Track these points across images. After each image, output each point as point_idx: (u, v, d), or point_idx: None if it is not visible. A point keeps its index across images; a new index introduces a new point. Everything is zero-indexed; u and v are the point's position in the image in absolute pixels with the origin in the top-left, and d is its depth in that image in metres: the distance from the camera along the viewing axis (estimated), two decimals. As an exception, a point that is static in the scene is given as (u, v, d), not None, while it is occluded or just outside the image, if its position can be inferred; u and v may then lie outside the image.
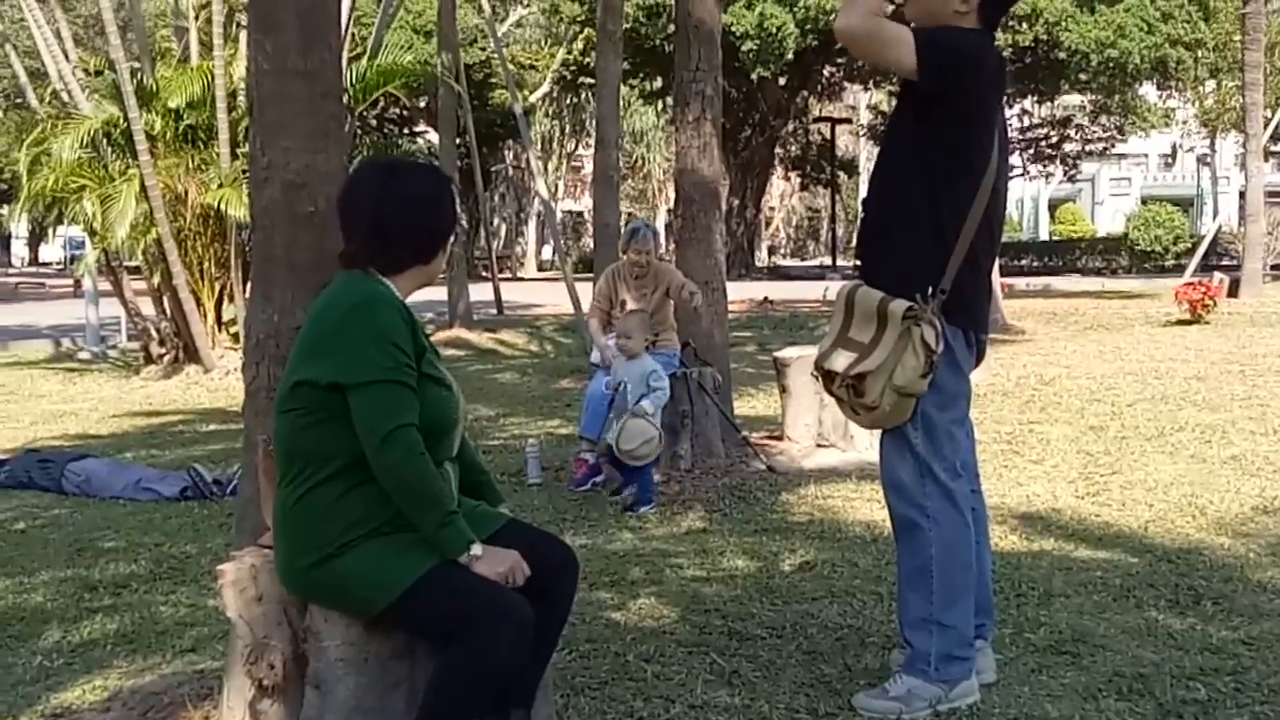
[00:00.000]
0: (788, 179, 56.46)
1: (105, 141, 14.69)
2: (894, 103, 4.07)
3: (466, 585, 2.91)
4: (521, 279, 47.16)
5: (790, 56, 32.89)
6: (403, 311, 3.00)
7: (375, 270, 3.07)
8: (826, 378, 3.80)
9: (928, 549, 3.71)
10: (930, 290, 3.60)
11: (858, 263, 3.89)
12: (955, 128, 3.61)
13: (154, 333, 15.07)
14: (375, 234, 3.05)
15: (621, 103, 16.92)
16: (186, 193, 14.19)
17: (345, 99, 14.63)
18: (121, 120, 14.02)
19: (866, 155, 55.77)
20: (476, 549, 2.94)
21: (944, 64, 3.52)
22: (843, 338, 3.76)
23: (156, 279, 14.99)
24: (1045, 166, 43.37)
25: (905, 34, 3.54)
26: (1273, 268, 27.66)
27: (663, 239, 7.82)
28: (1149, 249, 39.94)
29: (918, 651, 3.71)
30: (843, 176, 51.10)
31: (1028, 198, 65.42)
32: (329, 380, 2.91)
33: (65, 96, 15.22)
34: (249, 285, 4.01)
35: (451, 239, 3.22)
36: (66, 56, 15.28)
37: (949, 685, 3.68)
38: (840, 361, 3.71)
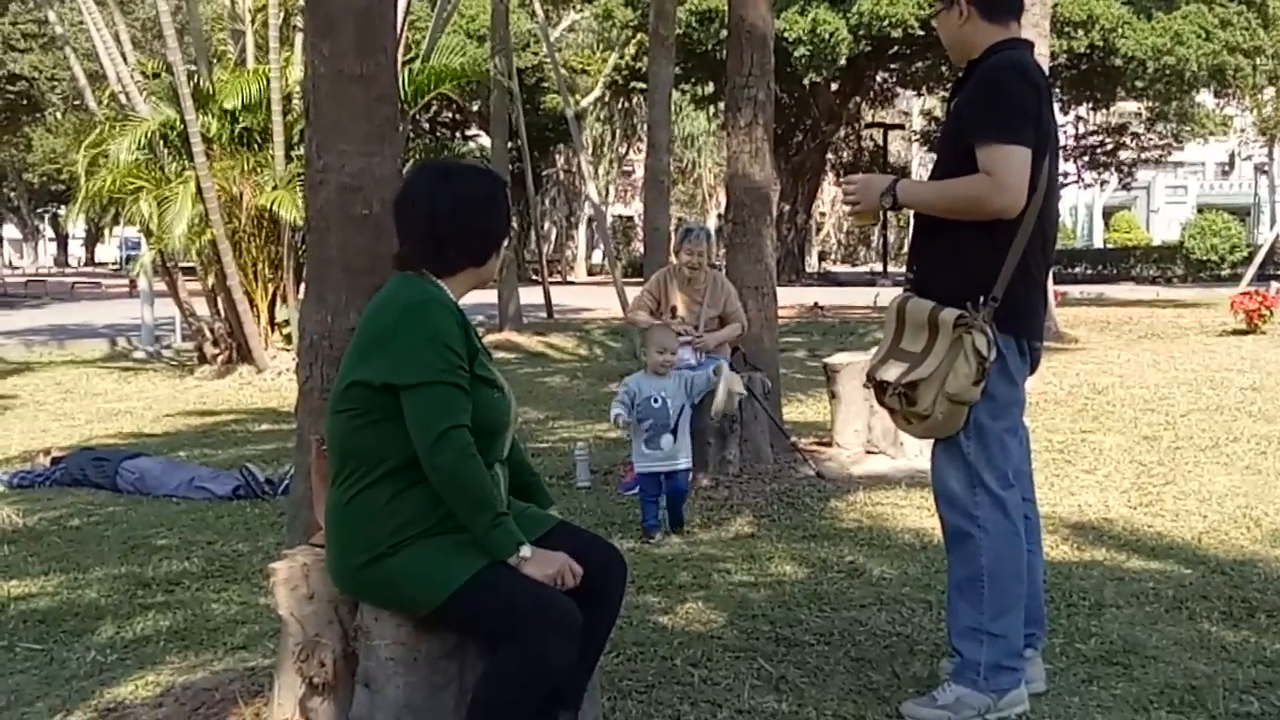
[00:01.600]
0: (839, 184, 56.30)
1: (162, 143, 14.88)
2: (947, 110, 4.06)
3: (516, 587, 2.92)
4: (572, 283, 47.28)
5: (843, 62, 32.77)
6: (456, 313, 3.02)
7: (429, 272, 3.09)
8: (879, 389, 3.79)
9: (979, 558, 3.68)
10: (982, 299, 3.58)
11: (910, 272, 3.88)
12: None
13: (208, 333, 15.23)
14: (429, 236, 3.08)
15: (673, 107, 16.93)
16: (241, 195, 14.35)
17: (399, 102, 14.78)
18: (178, 122, 14.19)
19: (919, 161, 55.56)
20: (526, 550, 2.95)
21: (1030, 138, 3.56)
22: (895, 349, 3.75)
23: (211, 280, 15.18)
24: (1100, 174, 43.04)
25: (1012, 168, 3.54)
26: (1331, 277, 27.23)
27: (714, 245, 7.81)
28: (1205, 258, 39.50)
29: (967, 660, 3.69)
30: (889, 177, 50.87)
31: (1082, 205, 64.87)
32: (383, 381, 2.93)
33: (123, 99, 15.41)
34: (303, 286, 4.05)
35: (505, 242, 3.24)
36: (125, 59, 15.48)
37: (998, 695, 3.66)
38: (892, 372, 3.69)
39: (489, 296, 20.85)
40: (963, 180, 3.61)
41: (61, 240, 79.32)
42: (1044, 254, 3.78)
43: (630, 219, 62.25)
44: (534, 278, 30.17)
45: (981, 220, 3.59)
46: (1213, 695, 3.83)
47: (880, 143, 48.03)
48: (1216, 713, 3.70)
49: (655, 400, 6.29)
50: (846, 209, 3.98)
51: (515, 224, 25.32)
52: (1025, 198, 3.55)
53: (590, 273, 56.61)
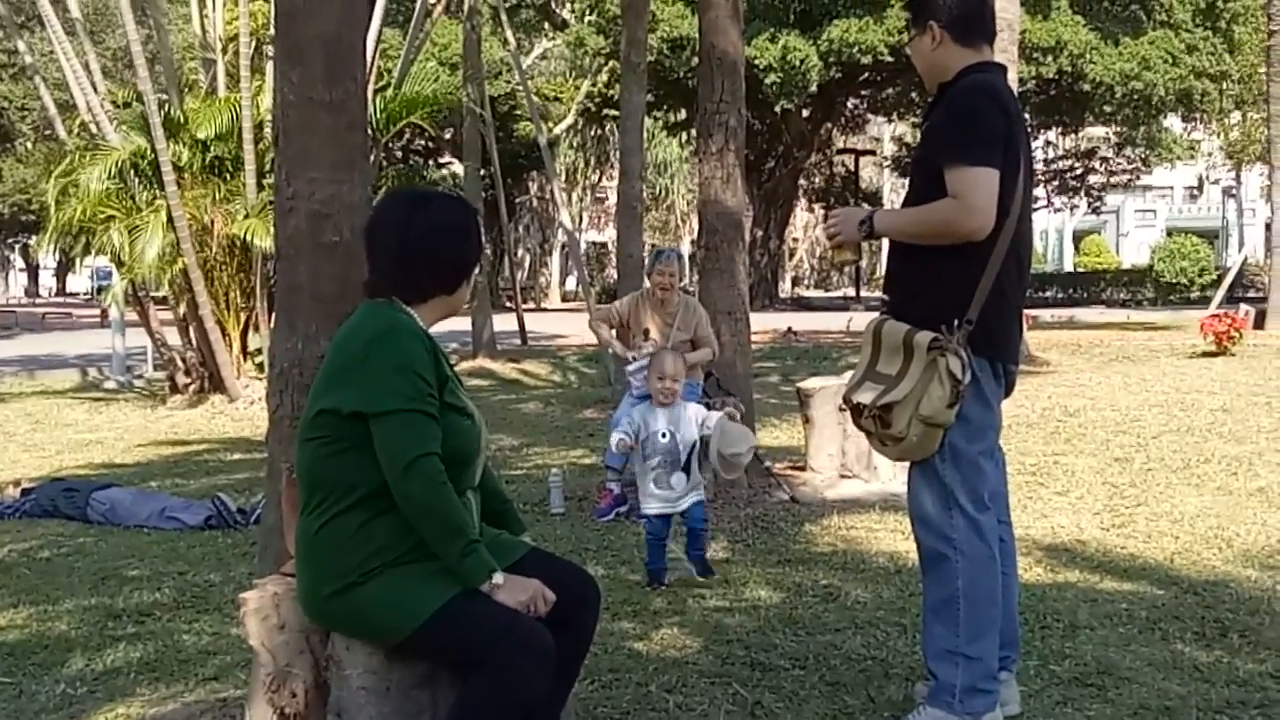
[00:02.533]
0: (811, 210, 56.46)
1: (133, 172, 14.83)
2: (918, 135, 4.09)
3: (488, 615, 2.90)
4: (545, 309, 47.27)
5: (814, 89, 32.97)
6: (425, 341, 3.02)
7: (399, 299, 3.09)
8: (855, 411, 3.81)
9: (954, 581, 3.69)
10: (956, 322, 3.60)
11: (885, 296, 3.90)
12: None
13: (180, 362, 15.14)
14: (399, 263, 3.07)
15: (645, 134, 16.98)
16: (213, 223, 14.31)
17: (370, 130, 14.78)
18: (149, 151, 14.15)
19: (890, 187, 55.86)
20: (498, 578, 2.94)
21: (999, 160, 3.59)
22: (871, 371, 3.77)
23: (182, 309, 15.11)
24: (1070, 198, 43.38)
25: (981, 190, 3.57)
26: (1299, 299, 27.44)
27: (687, 267, 7.85)
28: (1174, 281, 39.79)
29: (942, 683, 3.69)
30: (866, 208, 51.10)
31: (1052, 229, 65.32)
32: (351, 409, 2.92)
33: (94, 128, 15.36)
34: (273, 314, 4.04)
35: (476, 269, 3.23)
36: (95, 88, 15.43)
37: (973, 717, 3.65)
38: (867, 395, 3.71)
39: (463, 323, 20.82)
40: (933, 205, 3.63)
41: (32, 270, 78.89)
42: (1019, 277, 3.80)
43: (604, 245, 62.33)
44: (508, 304, 30.15)
45: (955, 244, 3.60)
46: (1186, 715, 3.84)
47: (852, 168, 48.28)
48: (1190, 733, 3.71)
49: (663, 435, 5.72)
50: (828, 244, 3.96)
51: (489, 251, 25.37)
52: (994, 219, 3.57)
53: (564, 299, 56.62)
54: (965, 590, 3.68)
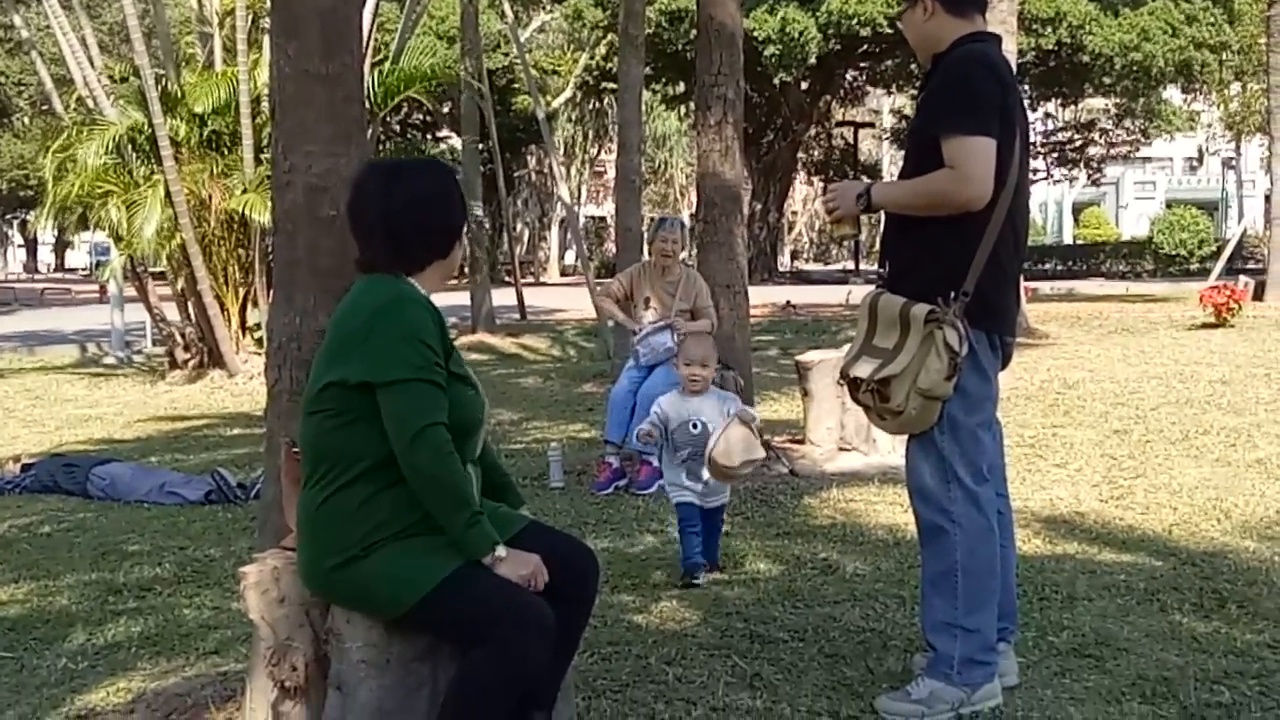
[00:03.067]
0: (810, 183, 56.36)
1: (130, 147, 14.79)
2: (912, 105, 4.08)
3: (489, 588, 2.91)
4: (544, 284, 47.25)
5: (812, 61, 32.86)
6: (430, 310, 3.01)
7: (398, 271, 3.08)
8: (852, 385, 3.80)
9: (952, 553, 3.70)
10: (952, 294, 3.59)
11: (882, 269, 3.89)
12: None
13: (179, 338, 15.15)
14: (390, 237, 3.06)
15: (644, 107, 16.91)
16: (211, 198, 14.28)
17: (368, 104, 14.73)
18: (146, 126, 14.11)
19: (890, 159, 55.72)
20: (501, 551, 2.94)
21: (995, 129, 3.58)
22: (867, 345, 3.76)
23: (181, 284, 15.10)
24: (1069, 170, 43.28)
25: (977, 159, 3.56)
26: (1298, 271, 27.42)
27: (689, 235, 7.86)
28: (1173, 253, 39.72)
29: (941, 655, 3.70)
30: (865, 180, 51.05)
31: (1051, 201, 65.22)
32: (359, 379, 2.91)
33: (91, 103, 15.33)
34: (271, 289, 4.03)
35: (465, 230, 3.22)
36: (92, 63, 15.39)
37: (971, 689, 3.67)
38: (865, 369, 3.71)
39: (461, 298, 20.81)
40: (930, 176, 3.63)
41: (30, 246, 78.72)
42: (1015, 248, 3.80)
43: (603, 219, 62.23)
44: (506, 279, 30.13)
45: (951, 215, 3.60)
46: (1184, 686, 3.85)
47: (851, 141, 48.16)
48: (1188, 703, 3.72)
49: (694, 425, 5.32)
50: (828, 220, 3.95)
51: (487, 225, 25.29)
52: (991, 188, 3.56)
53: (563, 274, 56.57)
54: (963, 563, 3.68)
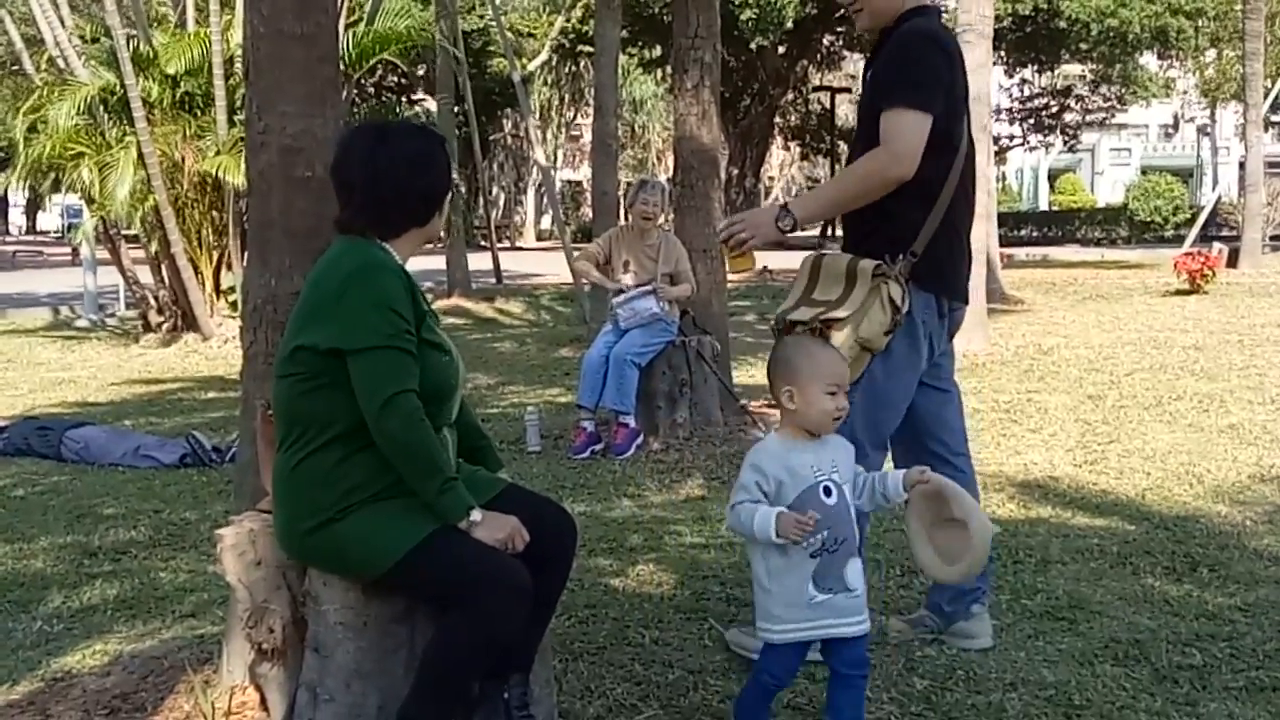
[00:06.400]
0: (787, 148, 56.21)
1: (102, 108, 14.64)
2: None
3: (466, 550, 2.90)
4: (520, 248, 47.12)
5: (790, 25, 32.74)
6: (403, 277, 2.99)
7: (374, 235, 3.06)
8: (789, 330, 3.79)
9: None
10: (901, 254, 3.63)
11: (836, 238, 3.92)
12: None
13: (152, 301, 15.07)
14: (370, 199, 3.03)
15: (620, 71, 16.86)
16: (184, 160, 14.15)
17: (342, 65, 14.61)
18: (118, 87, 13.98)
19: (866, 125, 55.60)
20: (476, 514, 2.93)
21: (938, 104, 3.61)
22: (806, 298, 3.79)
23: (154, 247, 14.99)
24: (1045, 136, 43.28)
25: (907, 135, 3.58)
26: (1272, 238, 27.59)
27: (669, 198, 7.81)
28: (1148, 219, 39.85)
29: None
30: (842, 146, 50.80)
31: (1028, 168, 65.27)
32: (329, 346, 2.90)
33: (61, 63, 15.14)
34: (246, 251, 4.00)
35: (448, 198, 3.20)
36: (62, 23, 15.20)
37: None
38: (806, 313, 3.72)
39: (438, 262, 20.74)
40: (852, 167, 3.70)
41: (1, 208, 78.04)
42: (968, 212, 3.85)
43: (579, 184, 61.95)
44: (482, 243, 30.01)
45: (914, 179, 3.60)
46: (1156, 648, 3.89)
47: (827, 106, 48.04)
48: (1160, 665, 3.76)
49: (827, 490, 3.16)
50: (729, 256, 3.88)
51: (463, 189, 25.21)
52: (916, 164, 3.58)
53: (539, 238, 56.38)
54: None
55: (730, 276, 3.67)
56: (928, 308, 3.74)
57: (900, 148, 3.58)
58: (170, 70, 14.32)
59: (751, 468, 3.18)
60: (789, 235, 3.81)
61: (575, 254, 8.33)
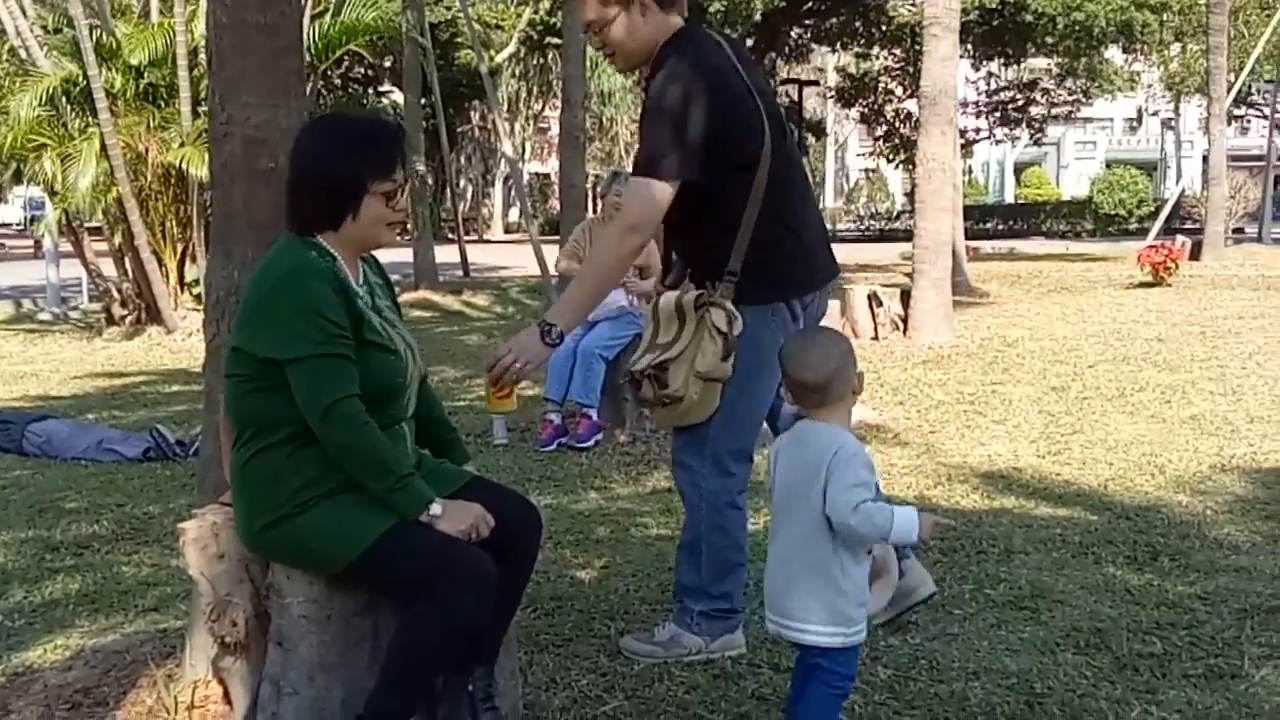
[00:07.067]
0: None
1: (65, 99, 14.54)
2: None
3: (428, 543, 2.89)
4: (488, 241, 47.00)
5: (758, 18, 32.72)
6: (332, 280, 2.92)
7: (315, 233, 3.00)
8: (634, 382, 3.84)
9: (699, 525, 3.83)
10: (717, 278, 3.66)
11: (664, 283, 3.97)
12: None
13: (116, 294, 14.96)
14: (290, 196, 3.01)
15: (588, 63, 16.83)
16: (147, 151, 14.08)
17: (308, 57, 14.53)
18: (81, 78, 13.87)
19: (834, 118, 55.72)
20: (436, 508, 2.92)
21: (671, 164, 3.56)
22: (651, 344, 3.82)
23: (118, 239, 14.88)
24: (1011, 130, 43.42)
25: (642, 206, 3.59)
26: (1234, 231, 27.86)
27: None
28: (1113, 212, 40.13)
29: (685, 608, 3.87)
30: (811, 139, 50.99)
31: (994, 161, 65.48)
32: (265, 355, 2.87)
33: (23, 53, 15.01)
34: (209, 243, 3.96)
35: (376, 185, 2.98)
36: (24, 12, 15.06)
37: (711, 638, 3.83)
38: (644, 361, 3.77)
39: (404, 255, 20.66)
40: (592, 255, 3.82)
41: (-38, 200, 77.33)
42: (799, 208, 3.79)
43: (547, 176, 61.74)
44: (450, 236, 29.94)
45: (705, 207, 3.62)
46: (1117, 637, 3.92)
47: (795, 99, 48.09)
48: (1121, 654, 3.79)
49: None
50: (496, 394, 3.82)
51: (430, 181, 25.10)
52: (654, 227, 3.63)
53: (507, 231, 56.23)
54: (708, 537, 3.83)
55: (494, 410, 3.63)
56: (769, 319, 3.70)
57: (634, 220, 3.60)
58: (134, 61, 14.23)
59: (867, 466, 2.94)
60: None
61: (559, 254, 8.31)
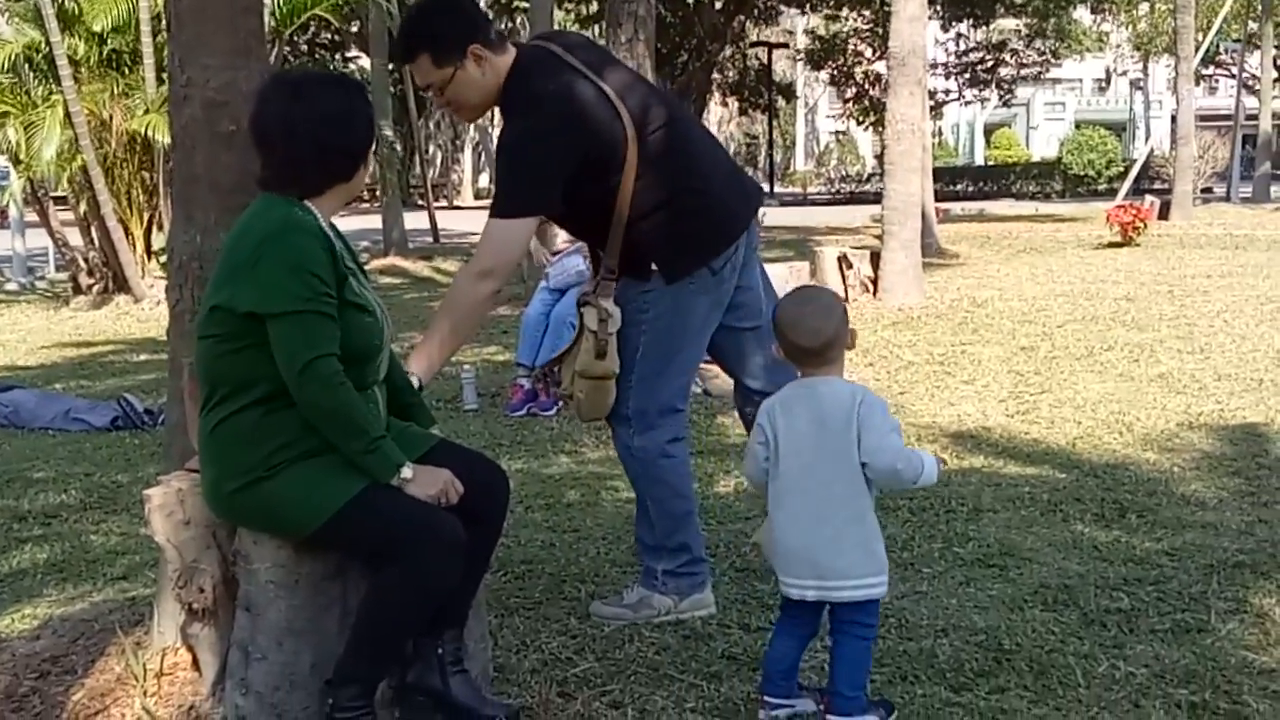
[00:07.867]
0: (725, 105, 56.07)
1: (27, 66, 14.39)
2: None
3: (398, 506, 2.88)
4: (458, 207, 46.76)
5: (726, -21, 32.58)
6: (321, 238, 2.92)
7: (294, 193, 2.99)
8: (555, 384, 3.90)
9: (638, 482, 3.88)
10: (598, 276, 3.72)
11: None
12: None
13: (82, 263, 14.83)
14: (289, 158, 2.96)
15: (555, 27, 16.69)
16: (112, 119, 13.94)
17: (273, 21, 14.41)
18: (43, 44, 13.73)
19: (804, 81, 55.63)
20: (407, 471, 2.91)
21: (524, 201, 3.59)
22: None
23: (83, 208, 14.76)
24: (981, 91, 43.45)
25: (495, 248, 3.61)
26: (1203, 191, 27.99)
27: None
28: (1082, 173, 40.25)
29: (648, 569, 3.89)
30: (781, 102, 50.90)
31: (963, 123, 65.57)
32: (246, 309, 2.84)
33: (-17, 20, 14.84)
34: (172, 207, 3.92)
35: (371, 150, 3.13)
36: (-16, -22, 14.89)
37: (680, 596, 3.84)
38: (549, 361, 3.83)
39: (373, 221, 20.57)
40: (445, 302, 3.73)
41: (-75, 170, 76.60)
42: (705, 169, 3.77)
43: (516, 141, 61.48)
44: (419, 202, 29.79)
45: (588, 214, 3.66)
46: (1084, 593, 3.95)
47: (765, 62, 47.95)
48: (1088, 609, 3.82)
49: None
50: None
51: (399, 148, 24.97)
52: (509, 265, 3.66)
53: (477, 196, 55.93)
54: (648, 491, 3.85)
55: None
56: (688, 288, 3.70)
57: (487, 264, 3.60)
58: (97, 27, 14.07)
59: (892, 415, 3.03)
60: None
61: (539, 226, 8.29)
